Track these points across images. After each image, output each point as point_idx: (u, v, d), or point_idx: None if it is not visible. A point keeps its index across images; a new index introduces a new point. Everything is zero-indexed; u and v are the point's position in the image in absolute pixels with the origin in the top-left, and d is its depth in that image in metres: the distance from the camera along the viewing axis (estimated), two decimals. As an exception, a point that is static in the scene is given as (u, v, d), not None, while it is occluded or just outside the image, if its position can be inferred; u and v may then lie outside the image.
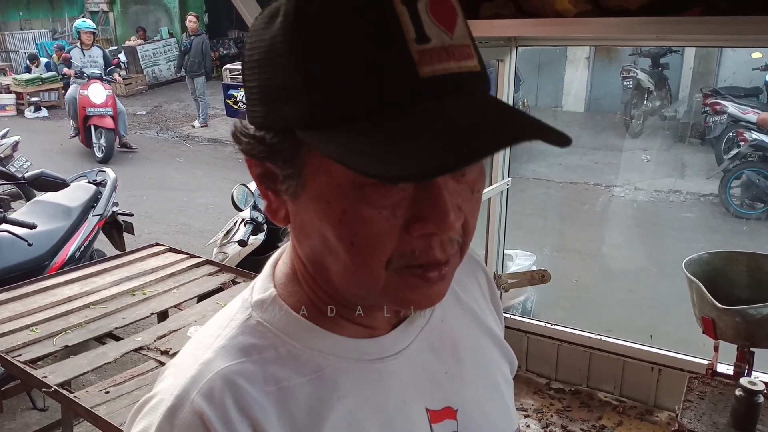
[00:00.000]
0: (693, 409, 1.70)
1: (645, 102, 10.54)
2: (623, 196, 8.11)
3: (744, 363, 1.85)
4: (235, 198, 3.69)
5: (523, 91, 9.80)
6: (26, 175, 3.63)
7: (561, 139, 0.52)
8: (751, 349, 1.87)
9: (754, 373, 1.88)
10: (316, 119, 0.52)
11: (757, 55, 9.32)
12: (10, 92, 14.54)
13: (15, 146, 6.71)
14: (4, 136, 6.73)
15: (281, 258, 0.71)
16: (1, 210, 3.56)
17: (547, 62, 12.34)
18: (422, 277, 0.58)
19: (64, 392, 2.22)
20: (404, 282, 0.59)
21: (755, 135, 7.65)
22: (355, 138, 0.51)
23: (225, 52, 17.76)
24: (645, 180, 8.48)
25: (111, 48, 17.82)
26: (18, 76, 15.32)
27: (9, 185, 5.93)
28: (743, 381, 1.60)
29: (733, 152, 7.70)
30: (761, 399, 1.60)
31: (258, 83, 0.57)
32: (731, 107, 8.23)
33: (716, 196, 7.62)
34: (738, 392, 1.60)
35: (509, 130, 0.52)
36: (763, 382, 1.66)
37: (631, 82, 10.59)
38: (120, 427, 1.99)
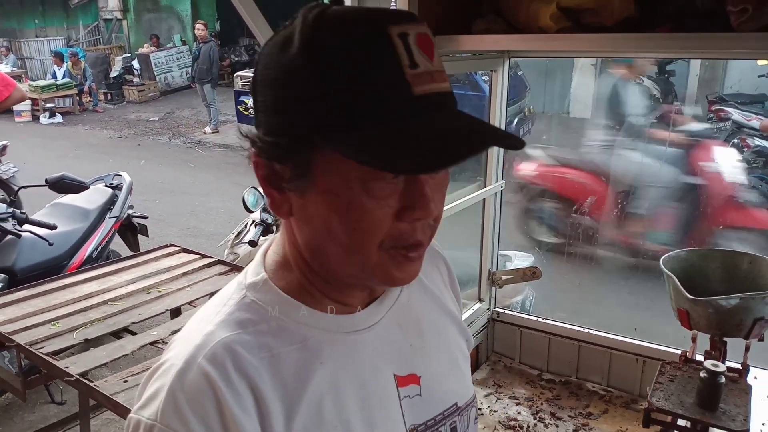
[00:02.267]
0: (663, 390, 1.84)
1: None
2: (628, 201, 8.15)
3: (716, 351, 1.98)
4: (246, 200, 3.83)
5: (529, 97, 9.86)
6: (47, 177, 3.78)
7: (517, 144, 0.69)
8: (724, 339, 2.00)
9: (728, 363, 2.01)
10: (331, 128, 0.65)
11: (762, 62, 9.34)
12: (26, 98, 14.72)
13: (2, 150, 6.55)
14: None
15: (270, 248, 0.84)
16: (23, 212, 3.71)
17: (554, 69, 12.36)
18: (405, 256, 0.73)
19: (86, 381, 2.35)
20: (392, 260, 0.72)
21: (758, 141, 7.69)
22: (366, 143, 0.64)
23: (236, 59, 17.91)
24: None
25: (125, 55, 18.05)
26: (34, 83, 15.55)
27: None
28: (707, 363, 1.73)
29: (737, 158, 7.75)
30: (723, 380, 1.73)
31: (275, 97, 0.69)
32: (735, 114, 8.28)
33: (720, 202, 7.66)
34: (702, 374, 1.73)
35: (485, 137, 0.69)
36: (728, 367, 1.80)
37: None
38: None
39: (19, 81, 16.31)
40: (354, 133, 0.64)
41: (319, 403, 0.75)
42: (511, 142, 0.68)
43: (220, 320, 0.76)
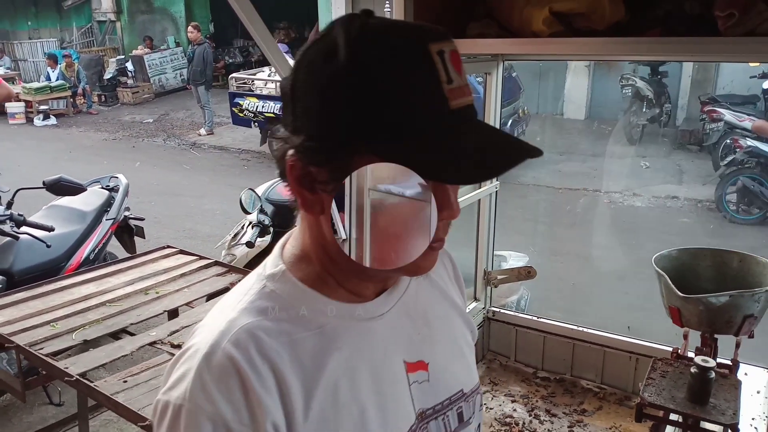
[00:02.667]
0: (654, 386, 1.88)
1: (644, 109, 10.62)
2: (621, 201, 8.18)
3: (707, 348, 2.03)
4: (243, 202, 3.85)
5: (523, 98, 9.90)
6: (45, 180, 3.79)
7: (536, 154, 0.74)
8: (714, 336, 2.04)
9: (718, 359, 2.05)
10: (378, 137, 0.70)
11: (754, 63, 9.40)
12: (20, 100, 14.62)
13: None
14: None
15: (288, 242, 0.89)
16: (21, 213, 3.72)
17: (548, 70, 12.43)
18: (431, 247, 0.78)
19: (86, 381, 2.38)
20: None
21: (750, 142, 7.75)
22: (416, 153, 0.70)
23: (231, 60, 17.91)
24: (643, 186, 8.54)
25: (119, 57, 18.01)
26: (27, 85, 15.47)
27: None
28: (697, 359, 1.77)
29: (729, 158, 7.80)
30: (713, 374, 1.78)
31: (321, 105, 0.73)
32: (728, 114, 8.33)
33: (713, 202, 7.66)
34: (693, 369, 1.77)
35: (519, 150, 0.74)
36: (718, 363, 1.85)
37: (630, 90, 10.68)
38: (138, 413, 2.15)
39: (12, 83, 16.29)
40: (401, 143, 0.70)
41: (335, 386, 0.80)
42: (534, 154, 0.74)
43: (243, 308, 0.81)
